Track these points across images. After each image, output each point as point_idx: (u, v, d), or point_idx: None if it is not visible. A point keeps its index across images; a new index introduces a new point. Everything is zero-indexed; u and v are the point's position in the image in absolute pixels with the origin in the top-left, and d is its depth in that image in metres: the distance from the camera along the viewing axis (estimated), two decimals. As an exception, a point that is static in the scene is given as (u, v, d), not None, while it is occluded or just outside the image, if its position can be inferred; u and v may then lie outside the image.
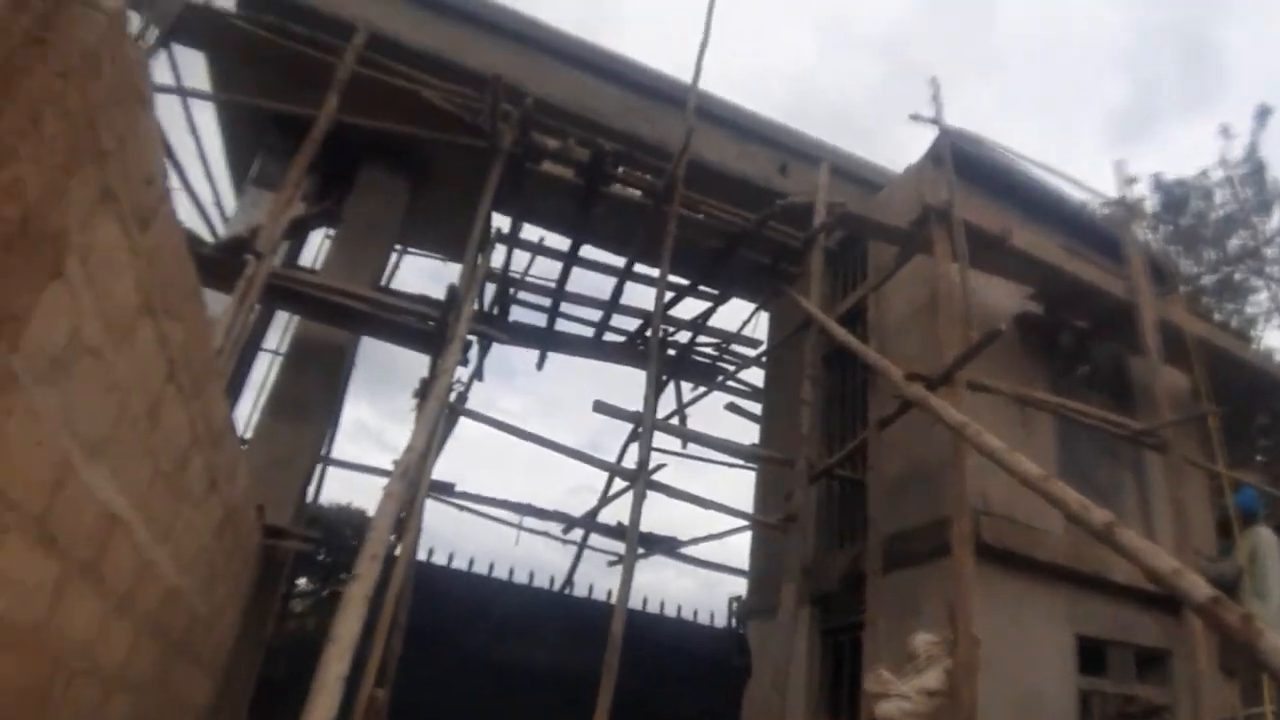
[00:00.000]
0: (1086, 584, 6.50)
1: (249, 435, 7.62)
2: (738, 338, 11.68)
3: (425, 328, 7.09)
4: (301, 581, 10.71)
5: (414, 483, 4.72)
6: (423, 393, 6.23)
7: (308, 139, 6.81)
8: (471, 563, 8.55)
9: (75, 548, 2.22)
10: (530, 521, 9.50)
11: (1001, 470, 5.78)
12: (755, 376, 11.94)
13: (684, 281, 9.72)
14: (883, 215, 8.33)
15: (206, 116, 9.01)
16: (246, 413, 8.32)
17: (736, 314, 11.67)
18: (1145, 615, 6.74)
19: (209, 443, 3.40)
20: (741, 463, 11.34)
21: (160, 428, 2.70)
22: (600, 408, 7.07)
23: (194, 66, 8.45)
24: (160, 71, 7.59)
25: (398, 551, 5.91)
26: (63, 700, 2.42)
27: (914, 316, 7.79)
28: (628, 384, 7.29)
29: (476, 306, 8.91)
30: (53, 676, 2.30)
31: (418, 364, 7.35)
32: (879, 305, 8.43)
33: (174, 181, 7.60)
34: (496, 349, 10.91)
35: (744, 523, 9.31)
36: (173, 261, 2.50)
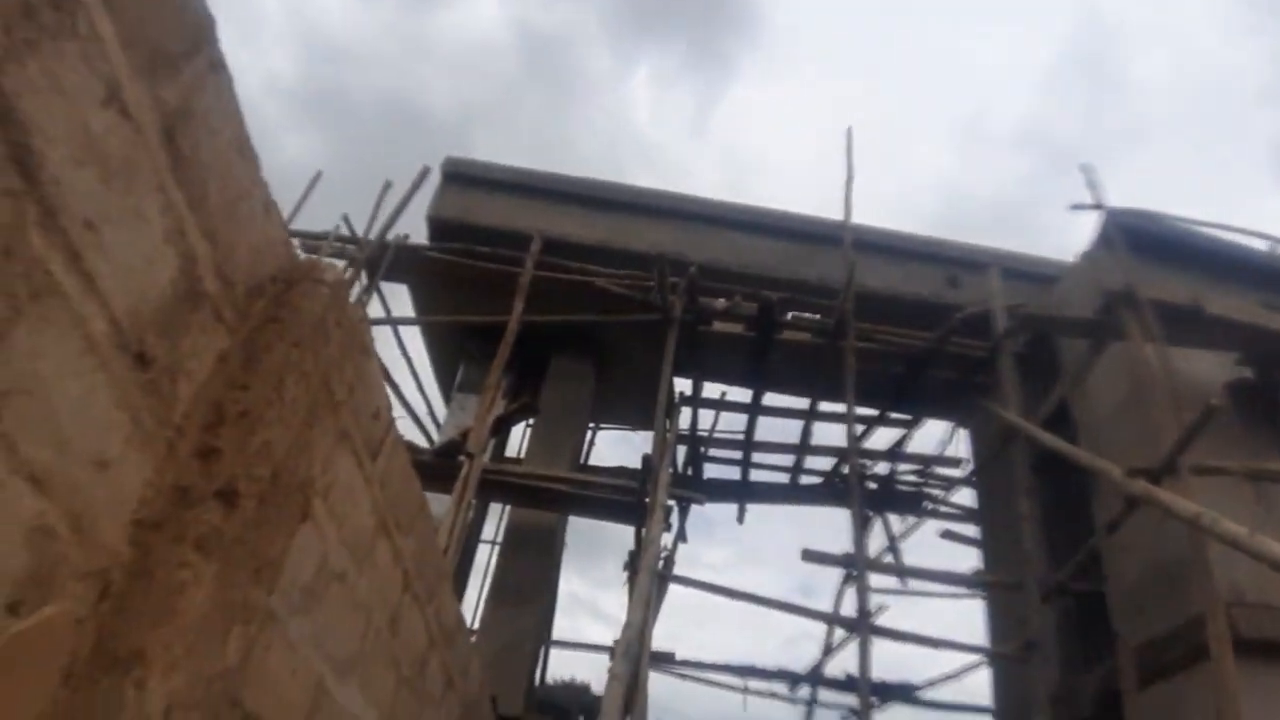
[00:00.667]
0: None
1: (475, 624, 7.94)
2: (939, 459, 11.15)
3: (626, 500, 7.28)
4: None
5: (635, 658, 4.73)
6: (632, 566, 6.33)
7: (501, 343, 7.46)
8: (703, 734, 8.30)
9: (324, 765, 2.37)
10: (756, 683, 9.20)
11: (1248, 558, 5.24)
12: (965, 497, 11.29)
13: (873, 412, 9.52)
14: (1064, 309, 7.99)
15: (413, 336, 10.07)
16: (471, 601, 8.71)
17: (934, 435, 11.17)
18: None
19: (444, 642, 3.59)
20: (967, 592, 10.57)
21: (399, 637, 2.89)
22: (810, 556, 6.90)
23: (399, 296, 9.56)
24: (372, 306, 8.61)
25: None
26: None
27: (1120, 408, 7.25)
28: (830, 524, 7.15)
29: (671, 470, 9.08)
30: None
31: (623, 530, 7.54)
32: (1082, 402, 7.89)
33: (393, 403, 8.41)
34: (695, 506, 10.95)
35: (979, 658, 8.59)
36: (401, 482, 2.71)
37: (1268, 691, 5.28)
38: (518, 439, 10.52)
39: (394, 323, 9.20)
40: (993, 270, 8.98)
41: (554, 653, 9.55)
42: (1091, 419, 7.72)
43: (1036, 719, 6.44)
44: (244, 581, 1.57)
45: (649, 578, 4.95)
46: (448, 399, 10.30)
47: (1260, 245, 8.63)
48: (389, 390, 7.92)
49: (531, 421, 9.70)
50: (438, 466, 6.77)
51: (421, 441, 9.09)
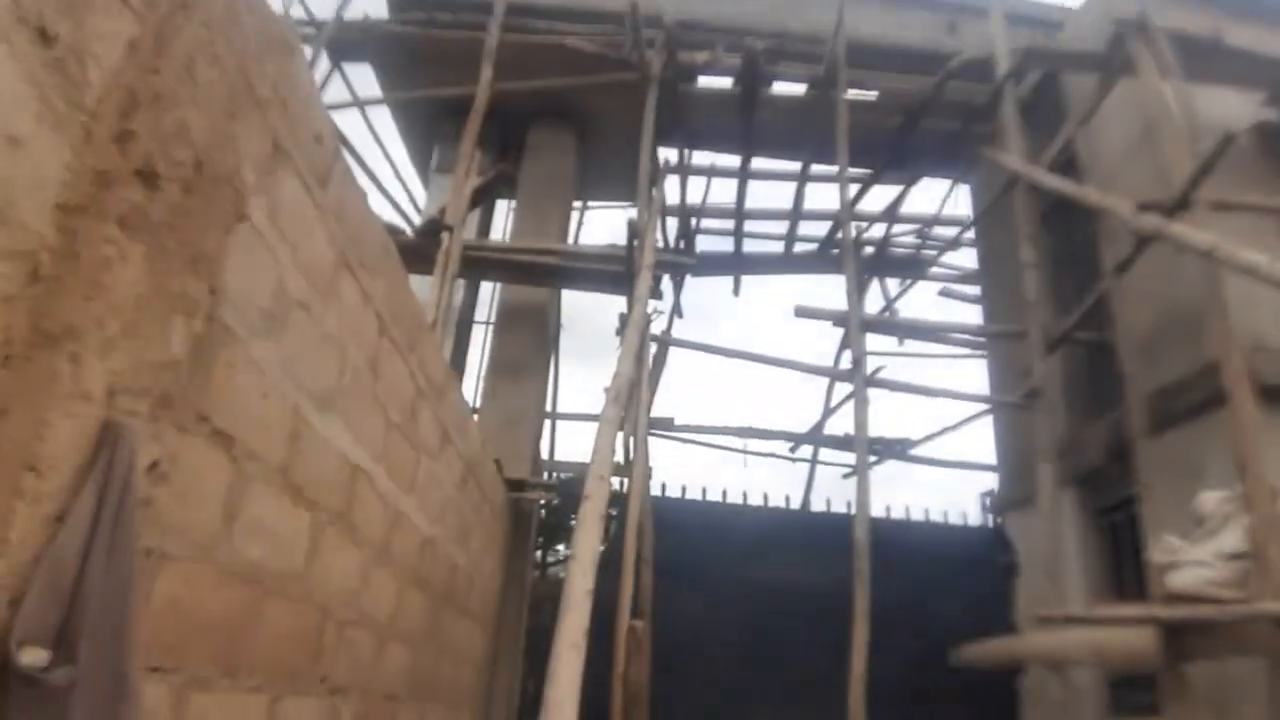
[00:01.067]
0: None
1: (477, 402, 8.04)
2: (938, 219, 10.91)
3: (615, 270, 7.14)
4: (560, 548, 11.26)
5: (633, 414, 4.74)
6: (623, 324, 6.28)
7: (472, 111, 7.03)
8: (704, 492, 8.61)
9: (323, 497, 2.34)
10: (755, 445, 9.47)
11: (1273, 302, 5.08)
12: (965, 260, 11.17)
13: (867, 171, 9.17)
14: (1073, 47, 7.44)
15: (387, 124, 9.60)
16: (472, 383, 8.81)
17: (933, 196, 10.89)
18: None
19: (433, 395, 3.54)
20: (967, 351, 10.68)
21: (382, 380, 2.81)
22: (803, 312, 6.82)
23: (366, 79, 9.03)
24: (338, 91, 8.21)
25: (627, 486, 6.01)
26: (337, 648, 2.57)
27: (1131, 149, 6.88)
28: (829, 300, 7.07)
29: (661, 243, 8.87)
30: (322, 625, 2.44)
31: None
32: (1089, 146, 7.52)
33: (369, 186, 8.15)
34: (690, 291, 10.88)
35: (980, 409, 8.77)
36: (359, 218, 2.61)
37: None
38: (503, 221, 10.30)
39: (360, 104, 8.67)
40: (995, 13, 8.34)
41: (562, 430, 9.75)
42: (1100, 162, 7.37)
43: (1042, 468, 6.53)
44: (179, 270, 1.56)
45: (637, 332, 4.87)
46: (426, 184, 9.96)
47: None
48: (363, 173, 7.67)
49: (515, 203, 9.43)
50: (421, 247, 6.55)
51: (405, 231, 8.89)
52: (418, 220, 9.32)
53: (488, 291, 9.49)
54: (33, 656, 1.14)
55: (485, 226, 9.45)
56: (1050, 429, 6.68)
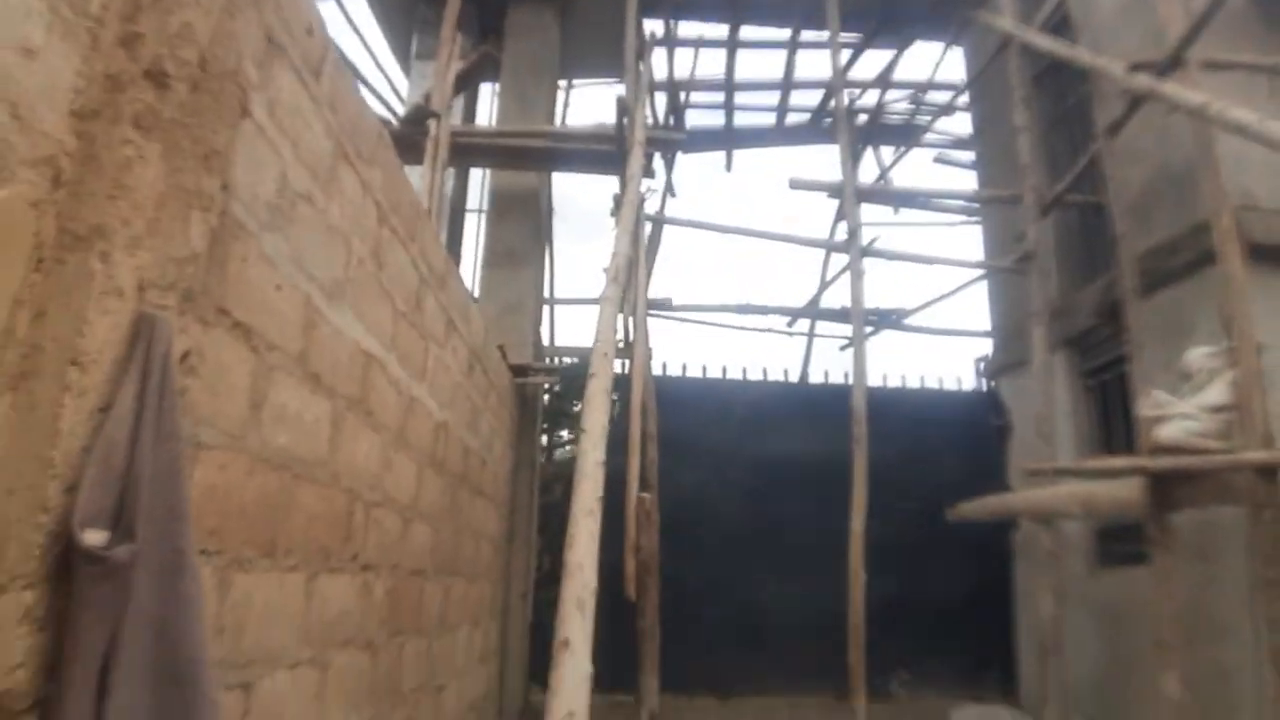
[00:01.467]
0: (1387, 274, 5.50)
1: (477, 292, 8.07)
2: (931, 84, 10.67)
3: (606, 150, 7.04)
4: (564, 434, 11.50)
5: (624, 284, 4.76)
6: (617, 205, 6.26)
7: (450, -6, 6.77)
8: (704, 370, 8.76)
9: (340, 385, 2.43)
10: (753, 321, 9.56)
11: (1263, 161, 5.05)
12: (959, 125, 10.99)
13: (859, 36, 8.92)
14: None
15: (365, 15, 9.25)
16: (469, 272, 8.82)
17: (926, 61, 10.60)
18: None
19: (436, 283, 3.58)
20: (962, 219, 10.65)
21: (386, 269, 2.86)
22: (798, 184, 6.77)
23: None
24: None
25: (629, 366, 6.12)
26: (365, 528, 2.72)
27: (1124, 10, 6.64)
28: (822, 173, 6.96)
29: (650, 120, 8.71)
30: (351, 507, 2.57)
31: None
32: (1083, 6, 7.29)
33: (350, 70, 7.92)
34: (682, 171, 10.71)
35: (975, 275, 8.83)
36: (352, 107, 2.62)
37: (1277, 294, 5.12)
38: (488, 109, 10.07)
39: None
40: None
41: (560, 318, 9.80)
42: (1092, 22, 7.15)
43: (1035, 331, 6.62)
44: (193, 167, 1.60)
45: (632, 211, 4.87)
46: (408, 73, 9.70)
47: None
48: (344, 61, 7.46)
49: (499, 86, 9.20)
50: (408, 136, 6.43)
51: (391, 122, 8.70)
52: (401, 110, 9.12)
53: (477, 179, 9.39)
54: (95, 538, 1.23)
55: (470, 113, 9.25)
56: (1043, 292, 6.75)
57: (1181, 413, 4.63)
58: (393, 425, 3.00)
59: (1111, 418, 6.75)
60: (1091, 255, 7.34)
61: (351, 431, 2.53)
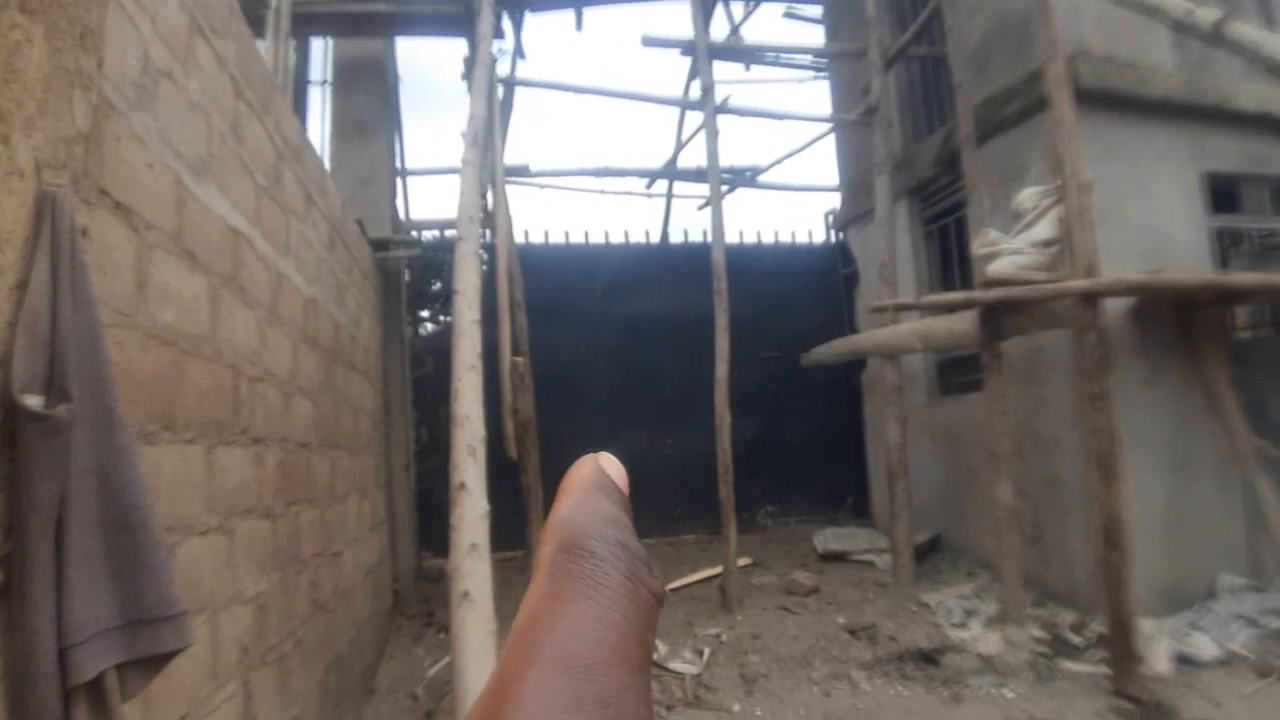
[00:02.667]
0: (1209, 118, 5.95)
1: (328, 166, 7.70)
2: (781, -64, 10.57)
3: (452, 11, 6.73)
4: (424, 313, 11.29)
5: (484, 146, 4.68)
6: (468, 67, 6.06)
7: None
8: (567, 235, 8.78)
9: (214, 261, 2.38)
10: (611, 186, 9.56)
11: (1096, 9, 5.37)
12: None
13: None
14: None
15: None
16: (317, 147, 8.36)
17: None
18: None
19: (292, 157, 3.46)
20: (811, 74, 10.82)
21: (245, 144, 2.76)
22: (650, 41, 6.71)
23: None
24: None
25: (492, 236, 6.09)
26: (251, 402, 2.73)
27: None
28: (673, 31, 6.76)
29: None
30: (236, 382, 2.58)
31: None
32: None
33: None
34: (531, 38, 10.27)
35: (825, 130, 9.09)
36: None
37: (1109, 142, 5.56)
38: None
39: None
40: None
41: (415, 193, 9.47)
42: None
43: (879, 182, 6.93)
44: (71, 47, 1.58)
45: (485, 72, 4.75)
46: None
47: None
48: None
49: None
50: (248, 8, 5.92)
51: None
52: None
53: (320, 51, 8.78)
54: (34, 402, 1.29)
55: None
56: (886, 144, 7.06)
57: (1011, 248, 5.05)
58: (265, 301, 2.96)
59: (949, 260, 7.26)
60: (932, 106, 7.69)
61: (228, 308, 2.50)
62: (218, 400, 2.37)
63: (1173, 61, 6.04)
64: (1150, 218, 5.68)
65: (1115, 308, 5.09)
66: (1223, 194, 6.10)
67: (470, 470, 2.45)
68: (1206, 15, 2.94)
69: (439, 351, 8.01)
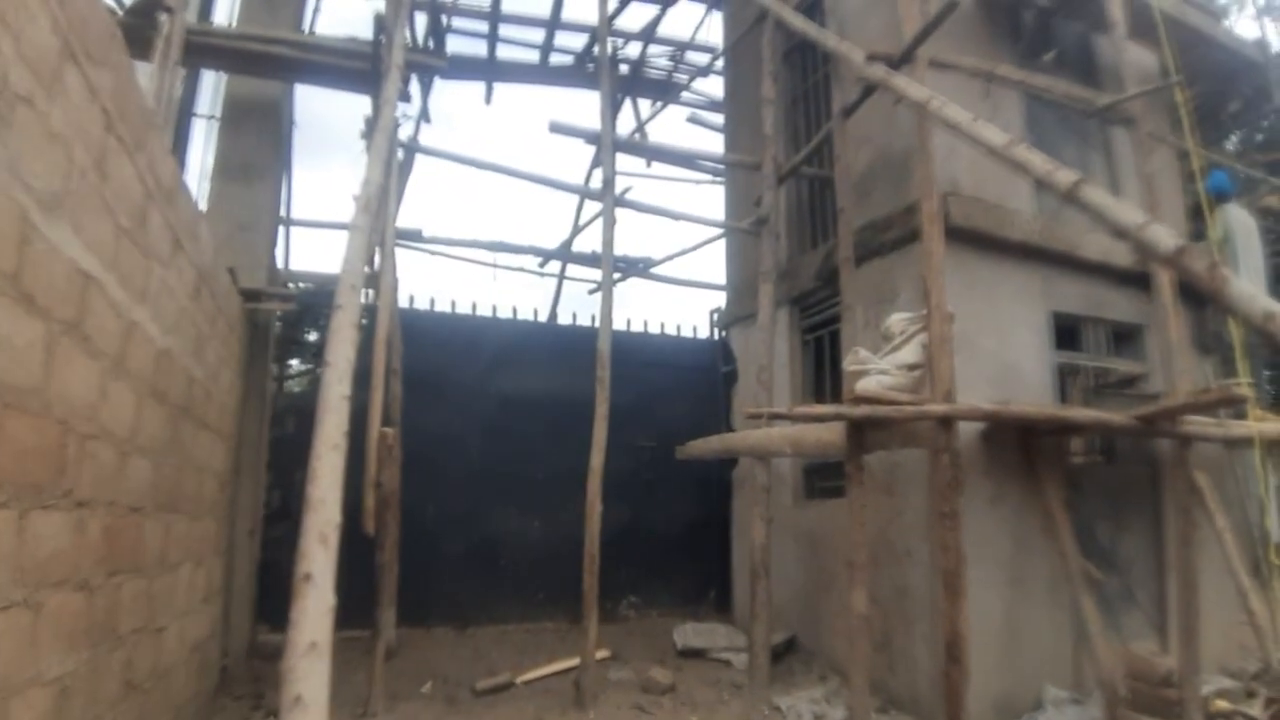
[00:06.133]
0: (1059, 262, 6.50)
1: (204, 208, 7.38)
2: (691, 45, 11.08)
3: (358, 67, 6.67)
4: (294, 363, 10.85)
5: (375, 213, 4.58)
6: (369, 129, 5.98)
7: None
8: (454, 304, 8.66)
9: (55, 307, 2.20)
10: (505, 260, 9.55)
11: (969, 155, 5.79)
12: (715, 88, 11.50)
13: (627, -15, 9.08)
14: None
15: None
16: (194, 183, 8.02)
17: (689, 21, 10.95)
18: (1118, 292, 6.81)
19: (163, 199, 3.29)
20: (709, 178, 11.23)
21: (110, 182, 2.60)
22: (557, 128, 6.81)
23: None
24: None
25: (376, 298, 5.94)
26: (80, 462, 2.50)
27: (871, 1, 7.31)
28: (581, 119, 6.94)
29: (410, 42, 8.32)
30: (64, 440, 2.36)
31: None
32: (836, -8, 7.90)
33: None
34: (439, 99, 10.33)
35: (716, 232, 9.38)
36: (83, 1, 2.33)
37: (971, 276, 5.95)
38: (229, 7, 9.11)
39: None
40: None
41: (297, 242, 9.19)
42: (843, 8, 7.73)
43: (763, 289, 7.16)
44: None
45: (385, 138, 4.69)
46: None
47: None
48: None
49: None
50: (135, 29, 5.70)
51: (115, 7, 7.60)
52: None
53: (210, 82, 8.51)
54: None
55: (207, 8, 8.33)
56: (773, 254, 7.34)
57: (879, 368, 5.29)
58: (111, 352, 2.75)
59: (823, 369, 7.52)
60: (817, 224, 8.08)
61: (66, 358, 2.31)
62: (40, 459, 2.16)
63: (1032, 208, 6.57)
64: (1002, 349, 6.09)
65: (967, 430, 5.39)
66: (1066, 332, 6.61)
67: (319, 560, 2.28)
68: (1065, 177, 3.20)
69: (302, 412, 7.65)
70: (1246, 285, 2.43)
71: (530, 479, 8.44)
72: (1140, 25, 7.23)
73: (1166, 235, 2.67)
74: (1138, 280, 6.62)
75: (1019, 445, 5.77)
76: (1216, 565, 6.01)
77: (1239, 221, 7.17)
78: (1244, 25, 17.32)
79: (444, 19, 9.86)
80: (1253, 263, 7.02)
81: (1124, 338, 6.96)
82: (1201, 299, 6.73)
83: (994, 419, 5.27)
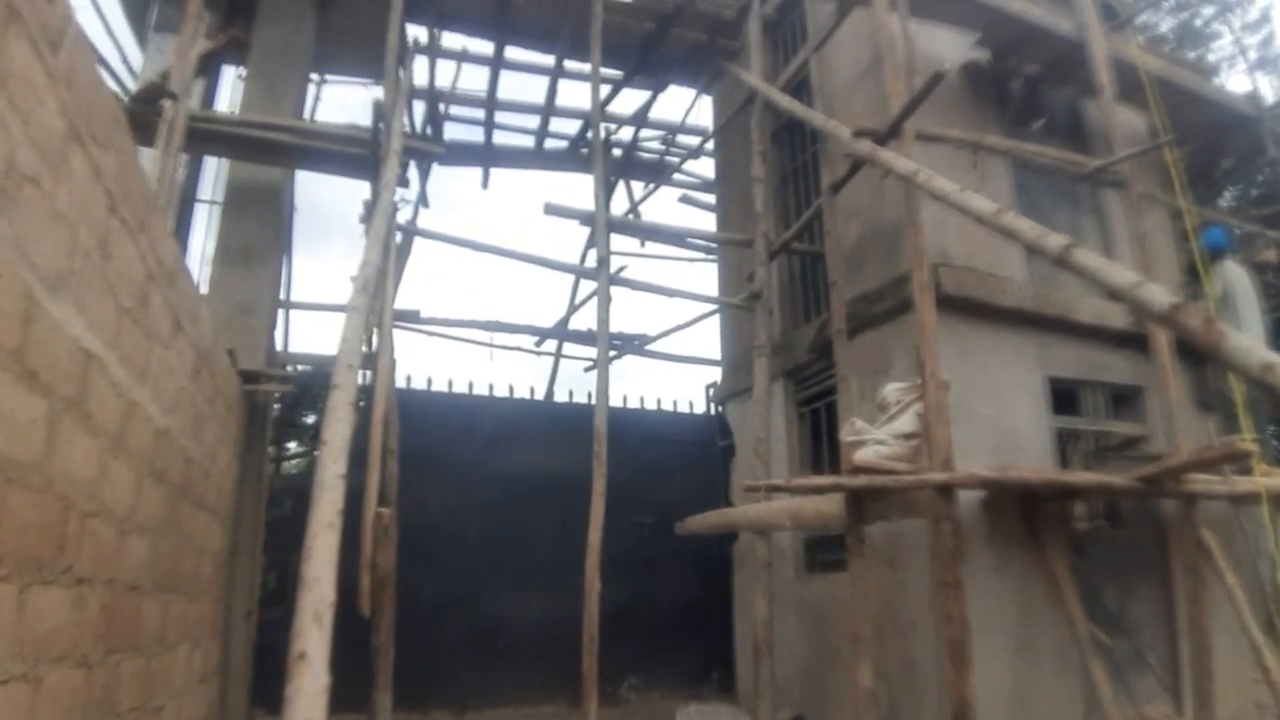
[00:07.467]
0: (1053, 327, 6.54)
1: (205, 290, 7.48)
2: (682, 128, 11.40)
3: (358, 153, 6.84)
4: (292, 445, 10.83)
5: (373, 294, 4.64)
6: (368, 212, 6.10)
7: (196, -39, 6.28)
8: (450, 384, 8.69)
9: (58, 384, 2.23)
10: (501, 339, 9.63)
11: (959, 225, 5.89)
12: (706, 169, 11.77)
13: (619, 73, 9.38)
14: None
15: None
16: (195, 265, 8.13)
17: (679, 105, 11.32)
18: (1115, 354, 6.82)
19: (164, 280, 3.35)
20: (701, 255, 11.40)
21: (113, 262, 2.66)
22: (552, 209, 6.96)
23: None
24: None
25: (373, 378, 5.97)
26: (80, 539, 2.50)
27: (859, 78, 7.52)
28: (576, 201, 7.13)
29: (409, 128, 8.56)
30: (65, 516, 2.36)
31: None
32: (823, 70, 8.16)
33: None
34: (437, 183, 10.62)
35: (710, 308, 9.48)
36: (89, 85, 2.45)
37: (965, 344, 6.00)
38: (231, 93, 9.39)
39: None
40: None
41: (296, 324, 9.28)
42: (830, 88, 7.99)
43: (758, 363, 7.22)
44: None
45: (384, 221, 4.80)
46: (143, 44, 8.81)
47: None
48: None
49: (245, 72, 8.63)
50: (139, 115, 5.87)
51: (120, 93, 7.84)
52: (131, 83, 8.30)
53: (212, 167, 8.71)
54: None
55: (211, 95, 8.60)
56: (766, 328, 7.42)
57: (876, 438, 5.30)
58: (112, 430, 2.77)
59: (820, 442, 7.51)
60: (810, 297, 8.18)
61: (68, 435, 2.33)
62: (42, 534, 2.17)
63: (1024, 274, 6.65)
64: (1000, 415, 6.08)
65: (968, 498, 5.35)
66: (1064, 397, 6.60)
67: (314, 639, 2.25)
68: (1055, 241, 3.25)
69: (300, 493, 7.59)
70: (1243, 338, 2.42)
71: (528, 558, 8.33)
72: (1128, 87, 7.35)
73: (1160, 294, 2.68)
74: (1135, 342, 6.64)
75: (1021, 512, 5.73)
76: (1228, 623, 5.91)
77: (1237, 277, 7.20)
78: (1236, 79, 17.69)
79: (442, 107, 10.17)
80: (1252, 318, 7.04)
81: (1123, 400, 6.95)
82: (1200, 357, 6.75)
83: (994, 486, 5.24)
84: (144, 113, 5.91)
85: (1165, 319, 2.63)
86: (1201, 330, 2.44)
